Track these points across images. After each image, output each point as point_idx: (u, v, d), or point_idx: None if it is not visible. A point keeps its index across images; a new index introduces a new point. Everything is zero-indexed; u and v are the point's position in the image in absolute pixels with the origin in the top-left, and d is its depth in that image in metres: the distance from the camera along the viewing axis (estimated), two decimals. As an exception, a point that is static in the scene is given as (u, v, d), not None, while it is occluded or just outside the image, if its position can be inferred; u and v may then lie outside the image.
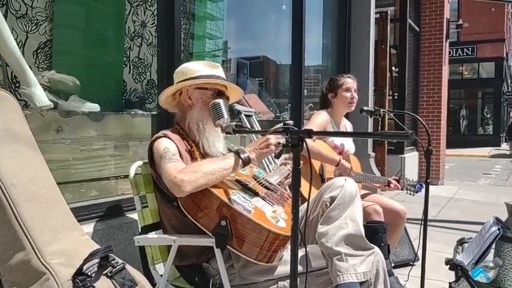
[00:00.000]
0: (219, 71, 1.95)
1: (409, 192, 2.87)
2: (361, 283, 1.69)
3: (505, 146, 21.49)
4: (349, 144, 2.92)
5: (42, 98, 2.25)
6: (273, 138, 1.79)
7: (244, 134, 3.58)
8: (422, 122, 2.52)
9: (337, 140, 2.84)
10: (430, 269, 2.65)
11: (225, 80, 1.95)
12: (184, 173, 1.64)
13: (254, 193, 1.78)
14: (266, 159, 3.12)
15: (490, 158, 16.21)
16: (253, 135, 3.26)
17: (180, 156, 1.78)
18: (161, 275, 1.82)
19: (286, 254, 1.72)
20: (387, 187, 2.82)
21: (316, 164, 2.70)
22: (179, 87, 1.91)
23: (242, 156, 1.74)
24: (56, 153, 2.31)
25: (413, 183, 2.87)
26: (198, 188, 1.63)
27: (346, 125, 3.05)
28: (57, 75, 2.66)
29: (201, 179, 1.63)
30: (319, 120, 2.79)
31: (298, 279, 1.35)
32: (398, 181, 2.84)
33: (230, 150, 2.05)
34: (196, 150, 1.89)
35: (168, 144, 1.79)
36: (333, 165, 2.67)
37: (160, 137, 1.84)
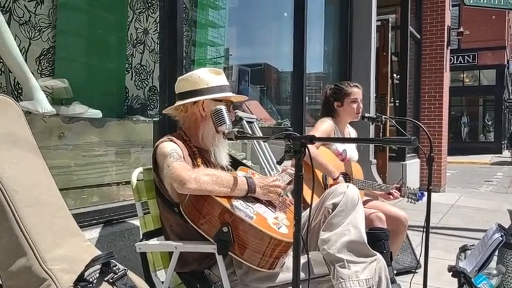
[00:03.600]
0: (224, 78, 1.96)
1: (410, 200, 2.86)
2: (364, 290, 1.68)
3: (506, 153, 21.46)
4: (352, 151, 2.91)
5: (44, 104, 2.26)
6: (282, 184, 1.85)
7: (246, 141, 3.58)
8: (424, 128, 2.52)
9: (340, 147, 2.83)
10: (432, 277, 2.63)
11: (229, 86, 1.96)
12: (193, 172, 1.66)
13: (256, 199, 1.78)
14: (268, 165, 3.12)
15: (491, 165, 16.19)
16: (255, 141, 3.26)
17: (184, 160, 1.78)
18: (162, 282, 1.81)
19: (288, 260, 1.71)
20: (390, 197, 2.81)
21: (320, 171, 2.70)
22: (197, 99, 1.88)
23: (250, 185, 1.74)
24: (58, 159, 2.32)
25: (415, 191, 2.85)
26: (201, 191, 1.63)
27: (351, 132, 3.03)
28: (49, 81, 2.66)
29: (207, 184, 1.64)
30: (323, 127, 2.79)
31: (301, 286, 1.34)
32: (400, 189, 2.83)
33: (232, 157, 2.06)
34: (199, 158, 1.89)
35: (174, 147, 1.81)
36: (332, 178, 2.65)
37: (166, 140, 1.85)
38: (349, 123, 3.03)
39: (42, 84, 2.49)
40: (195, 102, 1.90)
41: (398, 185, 2.85)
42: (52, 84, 2.64)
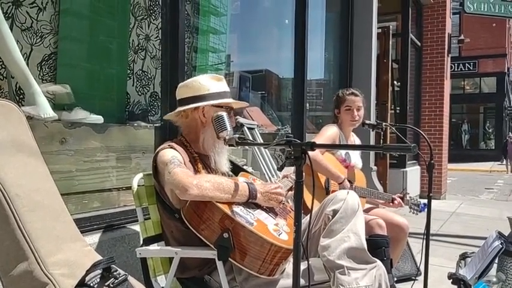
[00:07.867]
0: (224, 84, 1.97)
1: (412, 211, 2.86)
2: (364, 297, 1.68)
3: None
4: (356, 158, 2.91)
5: (46, 110, 2.26)
6: (284, 191, 1.85)
7: (247, 147, 3.59)
8: (424, 135, 2.53)
9: (343, 153, 2.83)
10: (432, 284, 2.63)
11: (229, 93, 1.97)
12: (194, 178, 1.67)
13: (256, 205, 1.79)
14: (268, 171, 3.13)
15: (491, 172, 16.17)
16: (255, 147, 3.27)
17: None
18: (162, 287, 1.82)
19: (288, 267, 1.71)
20: (391, 204, 2.82)
21: (322, 176, 2.70)
22: (198, 105, 1.89)
23: (252, 191, 1.75)
24: (59, 164, 2.32)
25: (417, 202, 2.85)
26: (203, 197, 1.64)
27: (356, 141, 3.04)
28: (51, 87, 2.66)
29: (209, 190, 1.64)
30: (328, 133, 2.79)
31: (301, 292, 1.34)
32: (402, 199, 2.83)
33: (232, 163, 2.06)
34: (199, 163, 1.90)
35: (175, 153, 1.81)
36: (337, 182, 2.66)
37: (166, 147, 1.85)
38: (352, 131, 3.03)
39: (44, 89, 2.49)
40: (195, 108, 1.91)
41: (401, 195, 2.85)
42: (54, 89, 2.65)
